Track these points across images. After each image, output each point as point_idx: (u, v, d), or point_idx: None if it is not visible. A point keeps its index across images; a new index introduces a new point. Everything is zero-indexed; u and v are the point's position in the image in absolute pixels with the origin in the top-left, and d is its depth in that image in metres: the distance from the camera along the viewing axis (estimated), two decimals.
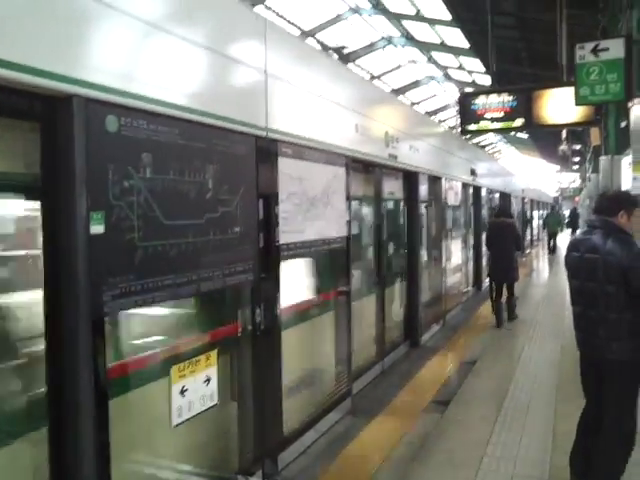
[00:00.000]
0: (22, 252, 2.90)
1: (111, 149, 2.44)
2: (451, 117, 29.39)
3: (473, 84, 23.31)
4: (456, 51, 19.24)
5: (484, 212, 12.84)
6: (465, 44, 16.80)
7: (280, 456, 3.85)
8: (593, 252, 3.36)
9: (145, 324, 3.04)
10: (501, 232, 8.91)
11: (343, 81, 5.22)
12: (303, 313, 4.67)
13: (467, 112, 9.48)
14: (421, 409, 5.15)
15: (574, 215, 27.24)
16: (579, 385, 3.67)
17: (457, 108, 10.74)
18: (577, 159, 32.07)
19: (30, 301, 2.57)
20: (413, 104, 24.78)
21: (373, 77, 20.79)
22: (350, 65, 18.28)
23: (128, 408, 2.79)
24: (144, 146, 2.61)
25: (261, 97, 3.61)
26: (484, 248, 11.02)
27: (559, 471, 3.80)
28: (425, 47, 20.04)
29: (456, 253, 10.30)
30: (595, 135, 14.48)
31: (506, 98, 9.17)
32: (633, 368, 3.33)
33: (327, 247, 4.62)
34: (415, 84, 24.05)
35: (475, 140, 30.78)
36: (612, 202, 3.48)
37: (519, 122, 9.14)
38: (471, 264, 11.95)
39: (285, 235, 3.85)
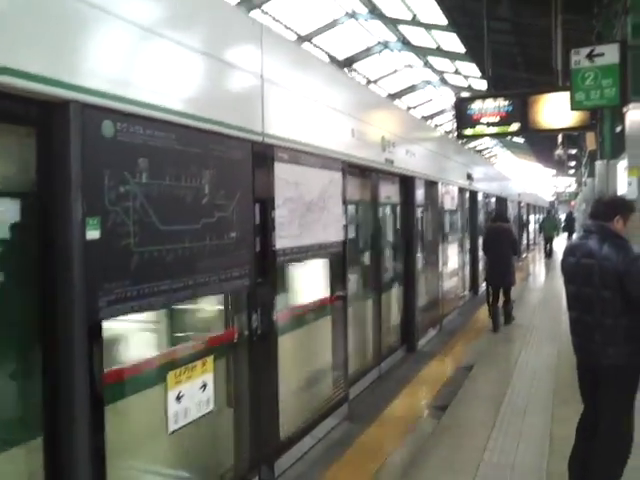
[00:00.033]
0: None
1: (107, 154, 2.43)
2: (447, 122, 29.45)
3: (469, 89, 23.37)
4: (452, 56, 19.30)
5: (480, 216, 12.86)
6: (461, 49, 16.84)
7: (277, 462, 3.83)
8: (589, 257, 3.36)
9: (141, 330, 3.03)
10: (498, 237, 8.94)
11: (339, 86, 5.22)
12: (300, 318, 4.66)
13: (463, 117, 9.51)
14: (418, 414, 5.14)
15: (570, 219, 27.32)
16: (576, 389, 3.67)
17: (453, 113, 10.77)
18: (573, 163, 32.16)
19: None
20: (409, 108, 24.82)
21: (369, 82, 20.83)
22: (346, 70, 18.33)
23: (124, 414, 2.77)
24: (140, 151, 2.61)
25: (257, 102, 3.61)
26: (481, 252, 11.04)
27: (556, 477, 3.79)
28: (421, 52, 20.09)
29: (453, 257, 10.31)
30: (591, 140, 14.51)
31: (502, 103, 9.20)
32: (629, 372, 3.33)
33: (323, 252, 4.62)
34: (411, 89, 24.10)
35: (471, 144, 30.84)
36: (608, 207, 3.48)
37: (515, 127, 9.17)
38: (468, 268, 11.96)
39: (281, 240, 3.84)
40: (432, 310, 8.47)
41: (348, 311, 5.10)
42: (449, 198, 9.65)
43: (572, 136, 21.05)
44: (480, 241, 10.97)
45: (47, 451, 2.31)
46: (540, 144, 28.00)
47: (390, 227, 7.14)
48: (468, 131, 9.53)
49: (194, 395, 3.04)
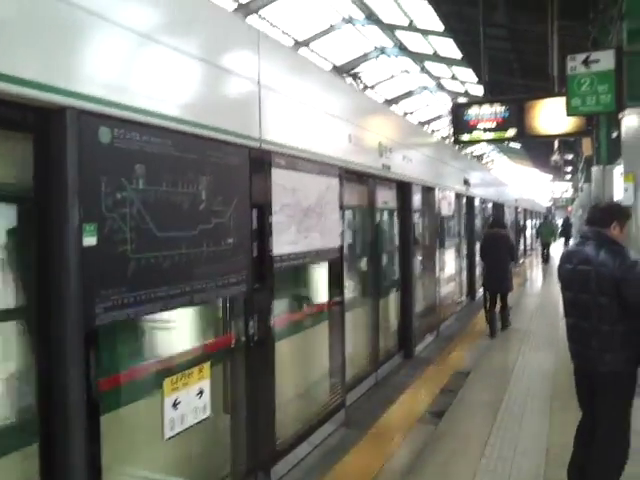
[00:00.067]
0: None
1: (104, 160, 2.43)
2: (444, 127, 29.54)
3: (466, 94, 23.45)
4: (449, 61, 19.39)
5: (477, 222, 12.87)
6: (458, 55, 16.92)
7: (273, 469, 3.82)
8: (586, 264, 3.36)
9: (138, 336, 3.02)
10: (495, 243, 8.99)
11: (336, 92, 5.23)
12: (297, 324, 4.66)
13: (460, 122, 9.53)
14: (415, 421, 5.13)
15: (567, 225, 27.39)
16: (573, 395, 3.66)
17: (450, 118, 10.79)
18: (569, 169, 32.30)
19: None
20: (406, 114, 24.90)
21: (366, 87, 20.88)
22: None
23: (120, 421, 2.76)
24: (137, 157, 2.61)
25: (254, 108, 3.61)
26: (478, 258, 11.06)
27: None
28: (418, 57, 20.17)
29: (450, 263, 10.31)
30: (587, 145, 14.58)
31: (498, 109, 9.22)
32: (626, 379, 3.33)
33: (321, 257, 4.61)
34: (408, 94, 24.17)
35: (468, 150, 30.92)
36: (605, 213, 3.49)
37: (511, 132, 9.19)
38: (465, 274, 11.97)
39: (279, 246, 3.84)
40: (429, 316, 8.46)
41: (345, 317, 5.09)
42: (446, 204, 9.66)
43: (568, 142, 21.15)
44: (477, 246, 10.98)
45: (43, 457, 2.30)
46: (537, 149, 28.13)
47: (387, 233, 7.14)
48: (465, 137, 9.54)
49: (191, 402, 3.03)
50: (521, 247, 22.54)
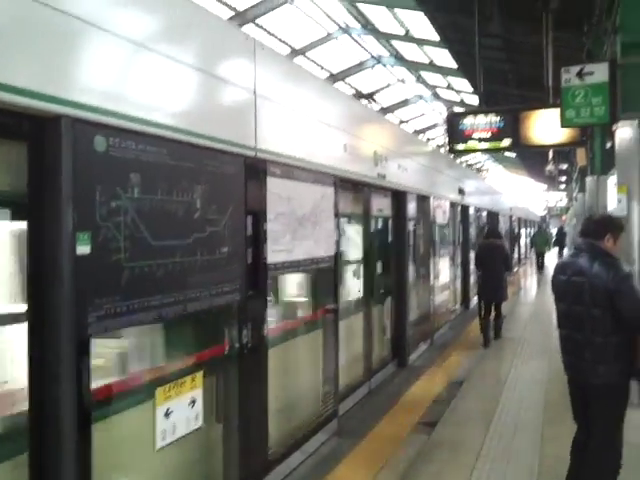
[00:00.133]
0: None
1: (99, 169, 2.43)
2: (439, 136, 29.61)
3: (461, 103, 23.54)
4: (444, 71, 19.46)
5: (472, 231, 12.91)
6: (453, 64, 16.97)
7: (265, 479, 3.80)
8: (580, 275, 3.38)
9: (130, 345, 3.00)
10: (490, 253, 9.06)
11: (332, 101, 5.25)
12: (290, 332, 4.64)
13: (455, 132, 9.54)
14: (408, 431, 5.12)
15: (561, 234, 27.49)
16: (566, 407, 3.67)
17: (445, 127, 10.82)
18: (564, 178, 32.41)
19: None
20: (402, 122, 24.95)
21: (362, 96, 20.95)
22: (339, 84, 18.44)
23: (111, 431, 2.74)
24: (132, 166, 2.60)
25: (250, 117, 3.62)
26: (472, 267, 11.08)
27: None
28: (414, 67, 20.24)
29: (444, 271, 10.33)
30: (581, 156, 14.63)
31: (493, 119, 9.25)
32: (619, 391, 3.33)
33: (315, 265, 4.61)
34: (404, 103, 24.22)
35: (463, 159, 31.01)
36: (599, 225, 3.50)
37: (506, 142, 9.21)
38: (459, 282, 11.99)
39: (273, 254, 3.83)
40: (423, 324, 8.47)
41: (339, 325, 5.09)
42: (441, 212, 9.69)
43: (563, 152, 21.24)
44: (471, 255, 11.00)
45: (33, 467, 2.28)
46: (531, 159, 28.22)
47: (382, 241, 7.14)
48: (460, 146, 9.56)
49: (183, 411, 3.01)
50: (515, 256, 22.60)
